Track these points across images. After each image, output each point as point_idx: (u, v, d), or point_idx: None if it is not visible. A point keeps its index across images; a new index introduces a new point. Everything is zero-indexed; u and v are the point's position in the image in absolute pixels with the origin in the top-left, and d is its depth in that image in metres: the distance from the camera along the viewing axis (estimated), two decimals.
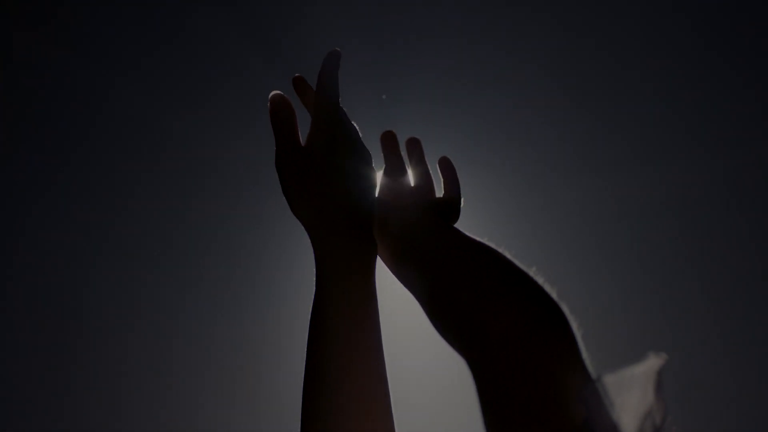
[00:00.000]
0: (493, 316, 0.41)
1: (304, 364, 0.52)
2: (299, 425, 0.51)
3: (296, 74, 0.64)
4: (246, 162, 2.23)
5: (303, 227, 0.58)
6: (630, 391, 0.33)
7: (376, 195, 0.63)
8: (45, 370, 2.21)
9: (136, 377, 2.22)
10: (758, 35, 2.14)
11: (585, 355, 0.38)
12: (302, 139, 0.59)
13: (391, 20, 2.25)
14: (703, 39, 2.18)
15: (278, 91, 0.60)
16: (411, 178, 0.67)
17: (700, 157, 2.22)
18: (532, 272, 0.45)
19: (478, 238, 0.51)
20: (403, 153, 0.68)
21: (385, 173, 0.66)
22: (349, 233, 0.55)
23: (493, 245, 0.50)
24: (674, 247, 2.26)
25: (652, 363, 0.34)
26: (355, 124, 0.60)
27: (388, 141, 0.67)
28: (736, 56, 2.17)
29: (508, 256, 0.48)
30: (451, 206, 0.63)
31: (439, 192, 0.66)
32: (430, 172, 0.67)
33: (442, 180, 0.67)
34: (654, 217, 2.27)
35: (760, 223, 2.20)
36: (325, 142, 0.57)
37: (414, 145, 0.68)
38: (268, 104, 0.59)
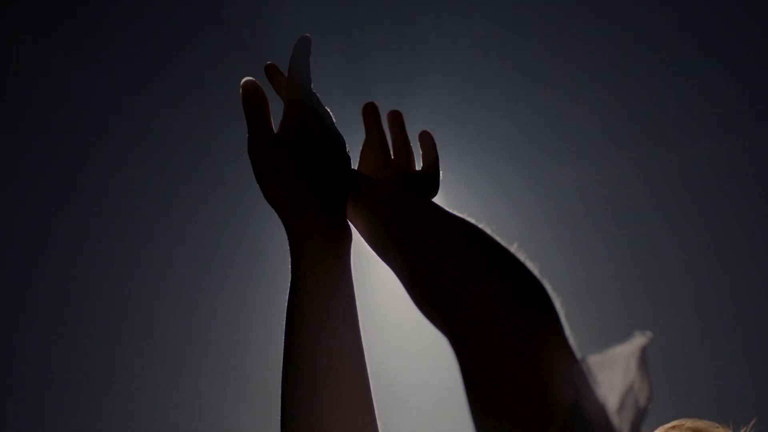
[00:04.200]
0: (476, 292, 0.40)
1: (282, 358, 0.52)
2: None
3: (268, 62, 0.63)
4: (220, 150, 2.20)
5: (277, 215, 0.58)
6: (614, 370, 0.33)
7: (355, 168, 0.62)
8: (42, 371, 2.19)
9: (134, 377, 2.21)
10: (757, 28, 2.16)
11: (569, 333, 0.38)
12: (275, 127, 0.58)
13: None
14: (700, 32, 2.19)
15: (250, 77, 0.59)
16: (391, 150, 0.66)
17: (691, 143, 2.25)
18: (513, 249, 0.45)
19: (458, 213, 0.50)
20: (385, 126, 0.67)
21: (365, 145, 0.66)
22: (323, 221, 0.54)
23: (473, 221, 0.49)
24: (658, 229, 2.30)
25: (637, 342, 0.34)
26: (328, 110, 0.59)
27: (370, 112, 0.66)
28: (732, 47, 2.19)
29: (488, 231, 0.47)
30: (429, 180, 0.63)
31: (419, 165, 0.66)
32: (411, 145, 0.67)
33: (421, 153, 0.67)
34: (636, 198, 2.30)
35: (750, 206, 2.25)
36: (297, 129, 0.56)
37: (395, 118, 0.67)
38: (240, 91, 0.58)
